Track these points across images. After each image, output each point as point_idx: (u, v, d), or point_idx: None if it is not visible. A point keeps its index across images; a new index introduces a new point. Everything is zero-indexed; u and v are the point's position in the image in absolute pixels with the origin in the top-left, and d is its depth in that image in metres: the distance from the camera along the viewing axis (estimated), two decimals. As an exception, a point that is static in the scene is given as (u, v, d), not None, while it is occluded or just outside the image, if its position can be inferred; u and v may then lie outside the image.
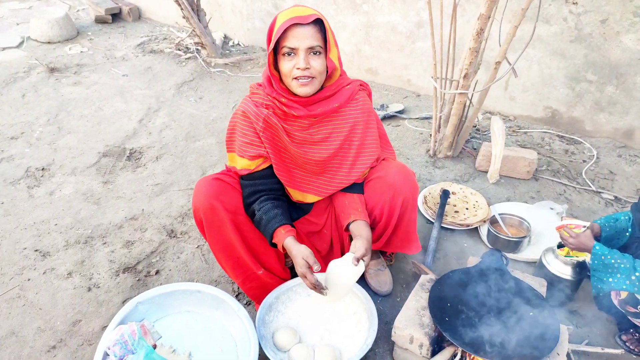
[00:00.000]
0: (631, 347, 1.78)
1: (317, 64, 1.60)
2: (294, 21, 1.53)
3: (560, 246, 1.92)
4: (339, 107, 1.74)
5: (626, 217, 1.80)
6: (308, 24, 1.55)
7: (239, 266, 1.78)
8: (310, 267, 1.57)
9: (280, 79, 1.68)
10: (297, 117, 1.71)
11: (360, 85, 1.85)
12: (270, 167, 1.74)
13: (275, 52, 1.63)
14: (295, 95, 1.67)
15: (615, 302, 1.64)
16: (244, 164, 1.73)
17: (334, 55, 1.65)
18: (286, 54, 1.59)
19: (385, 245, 1.94)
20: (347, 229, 1.79)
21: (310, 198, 1.85)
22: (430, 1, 2.57)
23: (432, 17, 2.62)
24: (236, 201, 1.73)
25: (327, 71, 1.66)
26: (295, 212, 1.92)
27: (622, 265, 1.54)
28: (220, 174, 1.80)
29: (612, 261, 1.57)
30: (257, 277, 1.80)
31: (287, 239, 1.63)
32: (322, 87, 1.71)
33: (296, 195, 1.84)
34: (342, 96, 1.74)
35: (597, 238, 1.80)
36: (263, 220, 1.68)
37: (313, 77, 1.61)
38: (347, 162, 1.81)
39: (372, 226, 1.90)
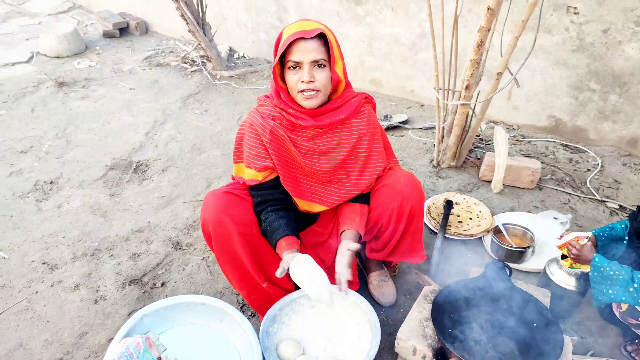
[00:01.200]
0: (636, 358, 1.77)
1: (322, 77, 1.63)
2: (297, 35, 1.57)
3: (564, 257, 1.92)
4: (346, 118, 1.78)
5: (622, 226, 1.79)
6: (312, 38, 1.59)
7: (245, 278, 1.80)
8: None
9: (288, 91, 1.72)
10: (304, 127, 1.75)
11: (365, 98, 1.88)
12: (277, 178, 1.77)
13: (283, 65, 1.67)
14: (302, 106, 1.71)
15: (617, 314, 1.63)
16: (251, 175, 1.76)
17: (339, 68, 1.68)
18: (291, 68, 1.63)
19: (390, 255, 1.95)
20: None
21: (317, 207, 1.87)
22: (431, 13, 2.59)
23: (433, 29, 2.64)
24: (245, 214, 1.75)
25: (332, 83, 1.69)
26: (302, 221, 1.94)
27: (621, 277, 1.54)
28: (229, 186, 1.83)
29: (611, 273, 1.56)
30: (261, 289, 1.82)
31: (284, 253, 1.69)
32: (328, 100, 1.75)
33: (303, 205, 1.86)
34: (349, 108, 1.78)
35: (595, 248, 1.80)
36: (268, 232, 1.74)
37: (318, 90, 1.64)
38: (354, 173, 1.83)
39: (378, 235, 1.92)
